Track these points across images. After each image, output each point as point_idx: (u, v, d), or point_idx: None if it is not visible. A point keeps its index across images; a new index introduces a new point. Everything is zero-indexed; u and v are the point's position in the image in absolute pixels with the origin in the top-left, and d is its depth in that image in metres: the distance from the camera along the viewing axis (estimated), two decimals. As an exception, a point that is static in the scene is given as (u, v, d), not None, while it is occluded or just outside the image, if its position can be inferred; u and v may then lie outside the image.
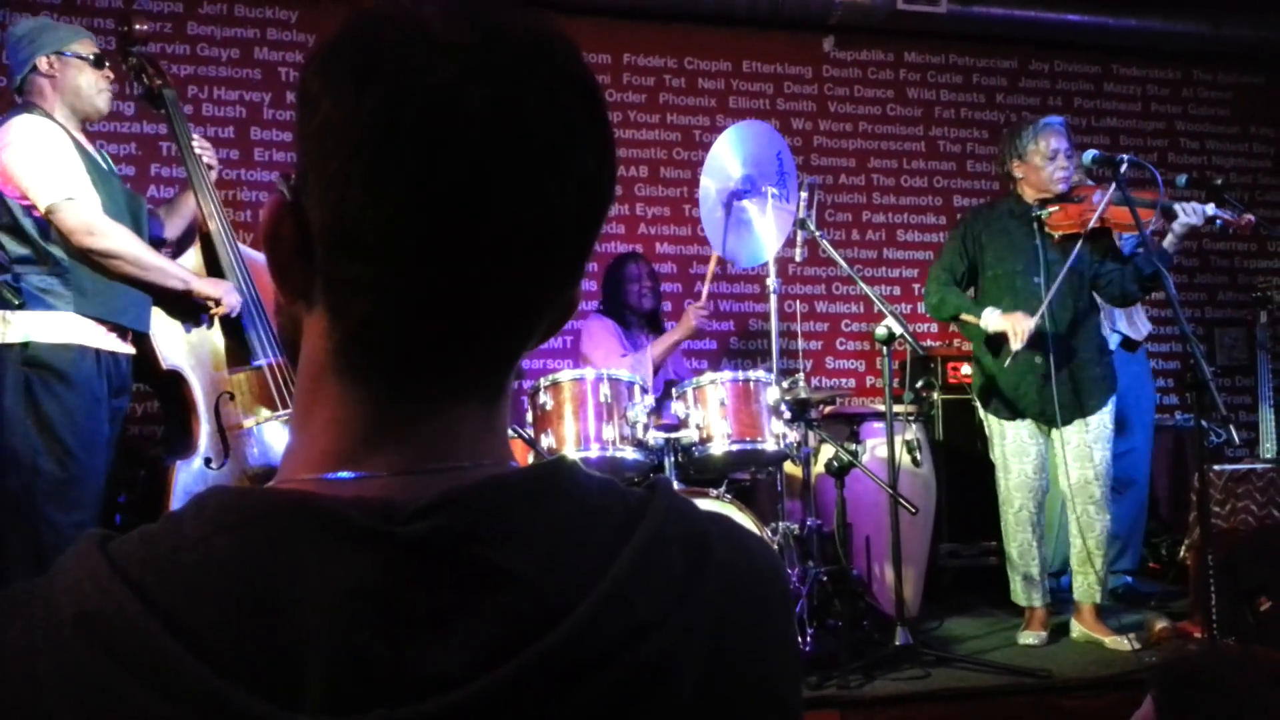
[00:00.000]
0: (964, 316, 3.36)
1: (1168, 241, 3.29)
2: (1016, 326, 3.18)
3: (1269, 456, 4.02)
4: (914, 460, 3.54)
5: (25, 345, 2.52)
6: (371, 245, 0.52)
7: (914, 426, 3.70)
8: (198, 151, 2.99)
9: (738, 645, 0.54)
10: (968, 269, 3.43)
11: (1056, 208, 3.33)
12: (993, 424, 3.44)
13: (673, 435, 2.99)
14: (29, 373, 2.52)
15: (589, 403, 2.94)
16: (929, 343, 4.61)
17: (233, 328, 2.89)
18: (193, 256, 2.97)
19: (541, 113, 0.52)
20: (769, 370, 3.20)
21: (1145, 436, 4.04)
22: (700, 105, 4.77)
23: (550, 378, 3.01)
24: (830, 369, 4.81)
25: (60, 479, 2.52)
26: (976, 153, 5.06)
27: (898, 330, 3.10)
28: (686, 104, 4.76)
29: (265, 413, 2.88)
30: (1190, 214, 3.21)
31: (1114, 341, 3.90)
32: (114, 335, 2.67)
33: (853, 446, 3.37)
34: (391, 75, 0.51)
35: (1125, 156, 3.16)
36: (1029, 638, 3.29)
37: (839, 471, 3.13)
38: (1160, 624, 3.31)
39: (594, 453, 2.90)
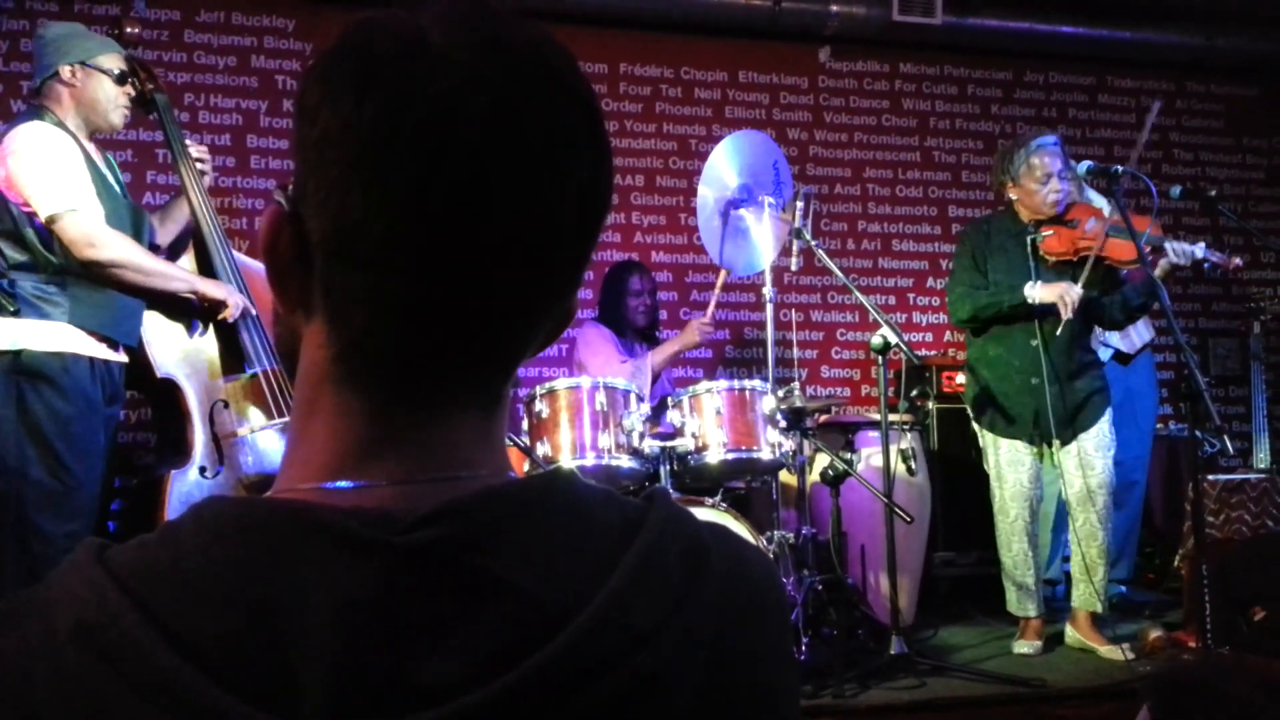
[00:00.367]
0: (1008, 307, 3.28)
1: (1158, 271, 3.28)
2: (1066, 296, 3.14)
3: (1262, 466, 4.03)
4: (909, 469, 3.54)
5: (18, 353, 2.51)
6: (371, 254, 0.52)
7: (909, 435, 3.71)
8: (195, 155, 2.99)
9: (735, 654, 0.54)
10: (985, 279, 3.39)
11: (1051, 231, 3.32)
12: (987, 436, 3.44)
13: (668, 444, 3.00)
14: (21, 380, 2.50)
15: (585, 411, 2.94)
16: (924, 352, 4.62)
17: (227, 335, 2.88)
18: (187, 263, 2.97)
19: (540, 122, 0.52)
20: (764, 379, 3.21)
21: (1141, 448, 4.05)
22: (697, 115, 4.78)
23: (546, 385, 3.01)
24: (825, 378, 4.82)
25: (52, 489, 2.50)
26: (971, 163, 5.08)
27: (893, 339, 3.11)
28: (683, 113, 4.77)
29: (260, 420, 2.87)
30: (1177, 255, 3.19)
31: (1105, 355, 3.91)
32: (105, 345, 2.66)
33: (848, 455, 3.39)
34: (391, 85, 0.51)
35: (1120, 168, 3.17)
36: (1024, 647, 3.29)
37: (834, 480, 3.13)
38: (1155, 633, 3.32)
39: (590, 461, 2.90)
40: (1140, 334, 4.14)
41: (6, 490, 2.48)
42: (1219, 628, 2.95)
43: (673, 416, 3.07)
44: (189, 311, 2.82)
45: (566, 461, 2.90)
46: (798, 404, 3.13)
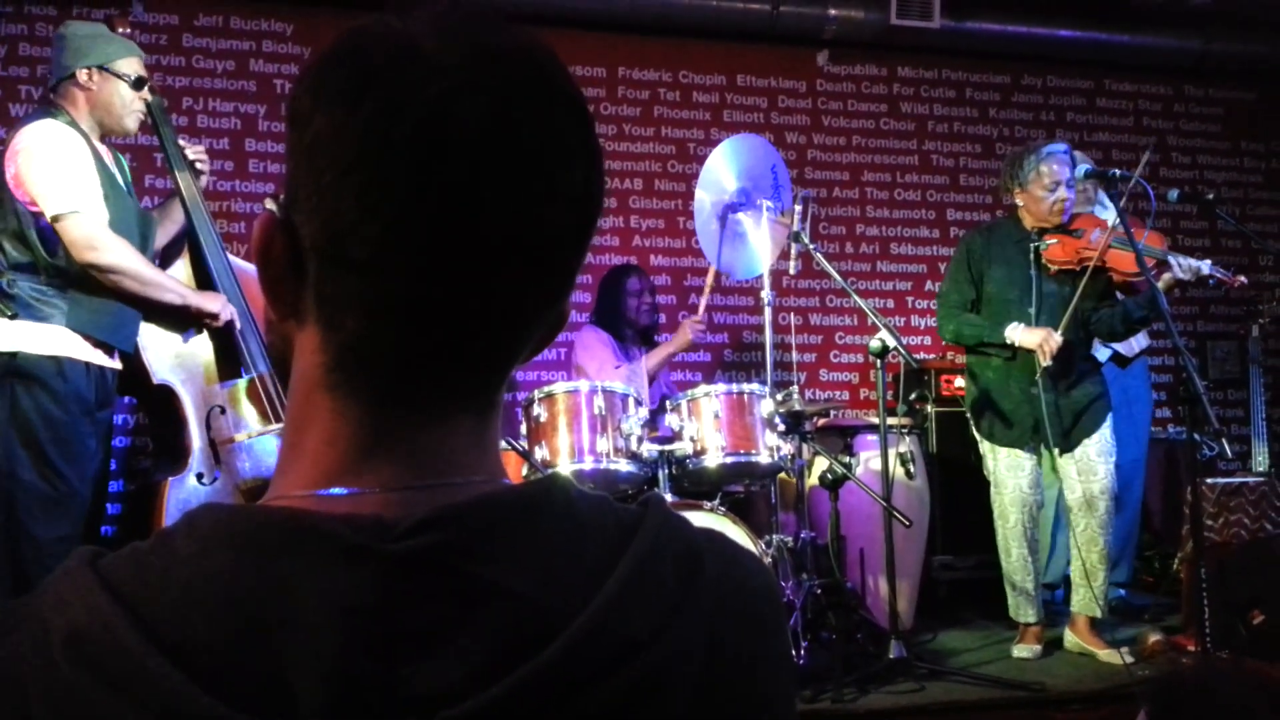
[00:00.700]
0: (987, 342, 3.33)
1: (1160, 284, 3.28)
2: (1046, 345, 3.16)
3: (1261, 470, 4.02)
4: (908, 473, 3.54)
5: (13, 355, 2.50)
6: (364, 259, 0.52)
7: (908, 439, 3.71)
8: (191, 157, 2.98)
9: (731, 662, 0.54)
10: (977, 292, 3.41)
11: (1055, 240, 3.31)
12: (985, 442, 3.44)
13: (667, 448, 2.99)
14: (14, 383, 2.49)
15: (583, 415, 2.93)
16: (922, 355, 4.62)
17: (223, 339, 2.87)
18: (182, 267, 2.96)
19: (532, 127, 0.53)
20: (763, 383, 3.20)
21: (1139, 451, 4.05)
22: (695, 119, 4.78)
23: (544, 389, 3.00)
24: (824, 381, 4.82)
25: (43, 493, 2.49)
26: (969, 167, 5.08)
27: (891, 343, 3.11)
28: (681, 117, 4.77)
29: (257, 425, 2.87)
30: (1182, 270, 3.21)
31: (1104, 355, 3.91)
32: (100, 351, 2.65)
33: (846, 459, 3.38)
34: (384, 91, 0.51)
35: (1118, 171, 3.17)
36: (1023, 651, 3.29)
37: (833, 484, 3.13)
38: (1153, 637, 3.31)
39: (588, 465, 2.89)
40: (1138, 339, 4.14)
41: None
42: (1218, 631, 2.95)
43: (671, 420, 3.07)
44: (182, 320, 2.81)
45: (565, 465, 2.89)
46: (796, 407, 3.13)
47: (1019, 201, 3.36)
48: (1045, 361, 3.16)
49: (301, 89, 0.54)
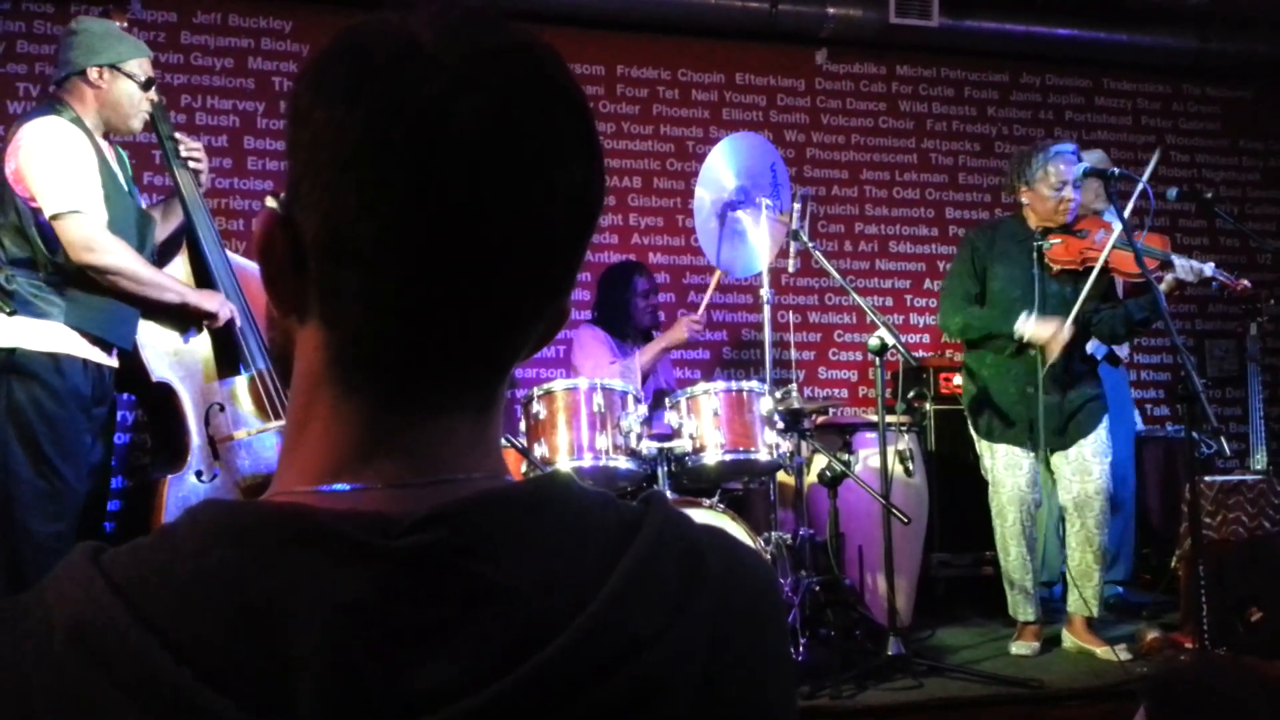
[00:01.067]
0: (995, 334, 3.31)
1: (1163, 286, 3.28)
2: (1055, 341, 3.16)
3: (1259, 468, 4.03)
4: (906, 470, 3.54)
5: (11, 351, 2.50)
6: (365, 255, 0.52)
7: (906, 437, 3.71)
8: (184, 155, 2.98)
9: (732, 660, 0.54)
10: (981, 288, 3.40)
11: (1059, 240, 3.31)
12: (983, 441, 3.44)
13: (666, 445, 2.99)
14: (11, 379, 2.49)
15: (582, 412, 2.94)
16: (921, 353, 4.62)
17: (222, 337, 2.87)
18: (180, 265, 2.96)
19: (531, 124, 0.53)
20: (762, 380, 3.21)
21: (1127, 448, 4.06)
22: (694, 117, 4.78)
23: (544, 387, 3.00)
24: (823, 379, 4.82)
25: (40, 488, 2.49)
26: (968, 165, 5.08)
27: (890, 341, 3.11)
28: (680, 115, 4.77)
29: (257, 423, 2.86)
30: (1186, 273, 3.21)
31: (1100, 353, 3.92)
32: (98, 348, 2.64)
33: (845, 456, 3.38)
34: (383, 88, 0.51)
35: (1117, 170, 3.17)
36: (1021, 648, 3.29)
37: (832, 481, 3.13)
38: (1152, 634, 3.32)
39: (587, 462, 2.89)
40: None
41: None
42: (1216, 628, 2.96)
43: (670, 417, 3.07)
44: (181, 319, 2.81)
45: (564, 462, 2.90)
46: (795, 405, 3.13)
47: (1024, 200, 3.35)
48: (1053, 357, 3.15)
49: (301, 86, 0.54)
